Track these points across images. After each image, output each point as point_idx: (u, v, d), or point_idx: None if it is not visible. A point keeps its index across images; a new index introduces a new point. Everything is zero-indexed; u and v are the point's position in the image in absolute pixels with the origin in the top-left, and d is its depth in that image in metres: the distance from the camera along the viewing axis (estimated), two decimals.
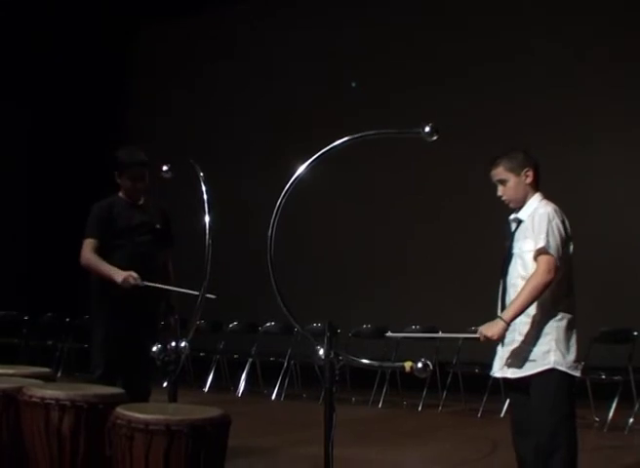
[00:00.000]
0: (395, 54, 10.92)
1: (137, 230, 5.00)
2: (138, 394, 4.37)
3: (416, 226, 10.47)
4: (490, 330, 3.83)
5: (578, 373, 3.94)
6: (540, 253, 3.83)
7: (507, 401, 6.18)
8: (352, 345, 7.54)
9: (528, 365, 3.90)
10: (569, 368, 3.88)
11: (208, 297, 3.96)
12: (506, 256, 4.05)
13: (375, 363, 4.00)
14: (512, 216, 4.08)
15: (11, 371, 4.50)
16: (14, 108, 11.84)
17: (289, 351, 9.01)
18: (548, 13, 9.98)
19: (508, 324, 3.81)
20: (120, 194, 5.10)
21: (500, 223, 4.26)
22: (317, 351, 3.37)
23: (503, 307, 3.99)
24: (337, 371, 3.34)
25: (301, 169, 3.52)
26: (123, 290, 4.75)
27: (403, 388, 8.56)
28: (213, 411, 3.56)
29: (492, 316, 4.01)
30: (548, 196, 4.05)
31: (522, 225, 4.01)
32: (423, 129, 3.43)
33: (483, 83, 10.29)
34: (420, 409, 8.33)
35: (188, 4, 12.16)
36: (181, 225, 5.63)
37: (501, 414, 7.55)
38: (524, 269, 3.92)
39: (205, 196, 4.01)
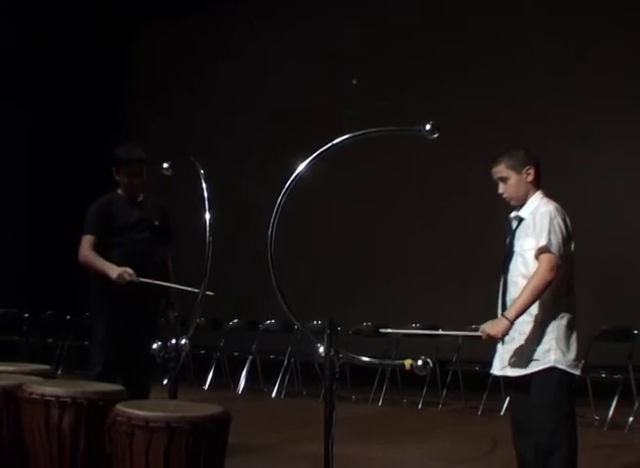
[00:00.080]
0: (395, 54, 10.93)
1: (135, 227, 5.00)
2: (137, 391, 4.36)
3: (416, 224, 10.48)
4: (493, 328, 3.83)
5: (578, 372, 3.94)
6: (542, 251, 3.83)
7: (507, 399, 6.18)
8: (352, 343, 7.54)
9: (528, 363, 3.90)
10: (569, 366, 3.88)
11: (206, 294, 3.97)
12: (507, 254, 4.04)
13: (375, 360, 4.01)
14: (513, 214, 4.08)
15: (11, 369, 4.49)
16: (14, 108, 11.84)
17: (289, 349, 9.01)
18: (548, 13, 10.00)
19: (512, 322, 3.81)
20: (119, 191, 5.11)
21: (501, 221, 4.26)
22: (317, 349, 3.37)
23: (504, 305, 3.99)
24: (337, 369, 3.34)
25: (302, 166, 3.53)
26: (122, 287, 4.75)
27: (403, 386, 8.56)
28: (213, 409, 3.55)
29: (492, 314, 4.01)
30: (548, 191, 4.05)
31: (523, 223, 4.00)
32: (424, 126, 3.43)
33: (483, 83, 10.30)
34: (420, 406, 8.34)
35: (188, 4, 12.16)
36: (182, 223, 5.64)
37: (501, 412, 7.55)
38: (525, 267, 3.92)
39: (205, 193, 4.02)
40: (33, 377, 4.21)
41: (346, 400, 8.39)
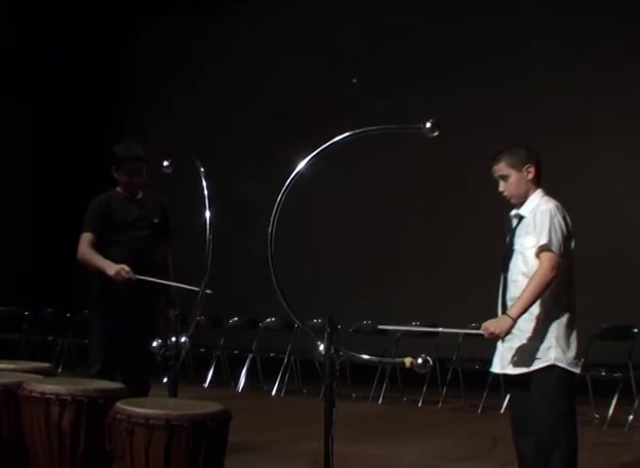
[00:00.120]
0: (395, 54, 10.93)
1: (135, 225, 5.00)
2: (137, 389, 4.37)
3: (416, 223, 10.49)
4: (496, 326, 3.83)
5: (578, 370, 3.95)
6: (543, 249, 3.83)
7: (507, 397, 6.19)
8: (352, 341, 7.55)
9: (528, 361, 3.90)
10: (569, 364, 3.88)
11: (205, 292, 3.97)
12: (507, 253, 4.04)
13: (375, 359, 4.01)
14: (513, 212, 4.07)
15: (11, 367, 4.50)
16: (14, 108, 11.83)
17: (289, 347, 9.03)
18: (548, 13, 10.00)
19: (515, 321, 3.81)
20: (118, 189, 5.11)
21: (501, 219, 4.26)
22: (317, 347, 3.37)
23: (504, 304, 3.99)
24: (337, 367, 3.35)
25: (302, 164, 3.53)
26: (122, 286, 4.74)
27: (403, 384, 8.57)
28: (213, 407, 3.56)
29: (492, 313, 4.02)
30: (548, 190, 4.05)
31: (523, 221, 4.00)
32: (425, 124, 3.44)
33: (483, 83, 10.30)
34: (420, 405, 8.35)
35: (188, 4, 12.17)
36: (182, 221, 5.64)
37: (502, 410, 7.56)
38: (525, 265, 3.92)
39: (205, 191, 4.02)
40: (33, 375, 4.21)
41: (346, 398, 8.40)
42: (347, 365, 6.22)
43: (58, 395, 3.77)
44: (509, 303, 3.94)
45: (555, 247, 3.83)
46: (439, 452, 6.12)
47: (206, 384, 9.32)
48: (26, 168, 12.22)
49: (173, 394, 3.87)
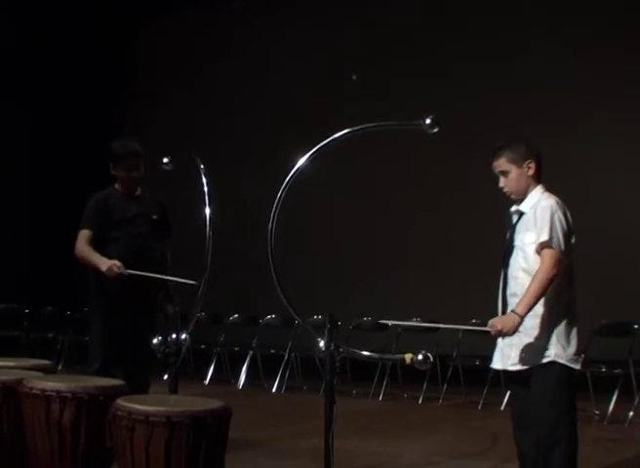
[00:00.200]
0: (395, 54, 10.93)
1: (133, 221, 5.00)
2: (137, 386, 4.35)
3: (415, 218, 10.50)
4: (504, 324, 3.79)
5: (578, 366, 3.93)
6: (544, 246, 3.82)
7: (508, 393, 6.20)
8: (353, 338, 7.55)
9: (528, 357, 3.89)
10: (569, 360, 3.87)
11: (187, 283, 3.96)
12: (507, 249, 4.03)
13: (375, 355, 4.02)
14: (514, 208, 4.06)
15: (11, 364, 4.51)
16: (14, 108, 11.83)
17: (289, 344, 9.02)
18: (548, 13, 10.00)
19: (522, 318, 3.79)
20: (116, 186, 5.11)
21: (501, 215, 4.25)
22: (318, 343, 3.38)
23: (504, 300, 3.99)
24: (337, 364, 3.36)
25: (302, 161, 3.54)
26: (120, 283, 4.73)
27: (403, 381, 8.56)
28: (214, 403, 3.56)
29: (492, 309, 4.02)
30: (549, 188, 4.04)
31: (524, 217, 3.99)
32: (424, 121, 3.44)
33: (483, 83, 10.31)
34: (420, 401, 8.35)
35: (188, 3, 12.17)
36: (182, 218, 5.63)
37: (502, 407, 7.57)
38: (525, 261, 3.92)
39: (205, 188, 4.02)
40: (34, 372, 4.23)
41: (347, 394, 8.41)
42: (348, 361, 6.20)
43: (58, 392, 3.78)
44: (510, 299, 3.94)
45: (556, 243, 3.82)
46: (439, 449, 6.12)
47: (206, 381, 9.32)
48: (26, 167, 12.22)
49: (173, 391, 3.87)
